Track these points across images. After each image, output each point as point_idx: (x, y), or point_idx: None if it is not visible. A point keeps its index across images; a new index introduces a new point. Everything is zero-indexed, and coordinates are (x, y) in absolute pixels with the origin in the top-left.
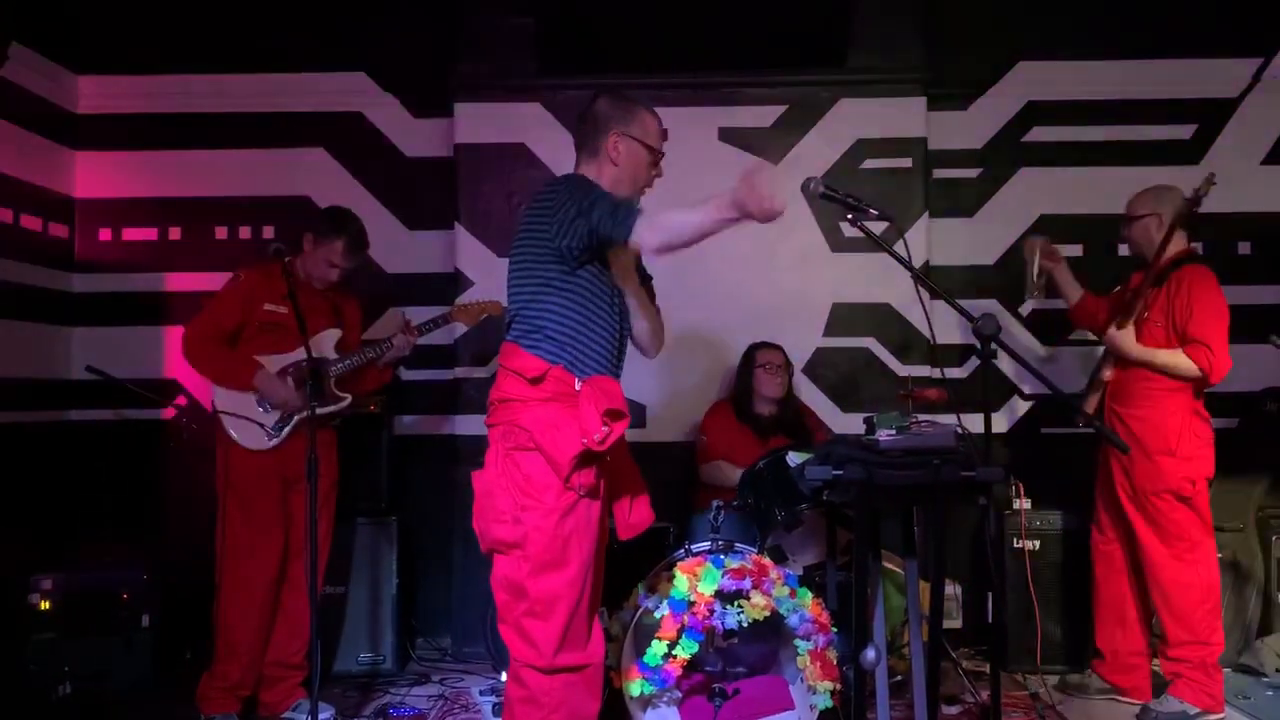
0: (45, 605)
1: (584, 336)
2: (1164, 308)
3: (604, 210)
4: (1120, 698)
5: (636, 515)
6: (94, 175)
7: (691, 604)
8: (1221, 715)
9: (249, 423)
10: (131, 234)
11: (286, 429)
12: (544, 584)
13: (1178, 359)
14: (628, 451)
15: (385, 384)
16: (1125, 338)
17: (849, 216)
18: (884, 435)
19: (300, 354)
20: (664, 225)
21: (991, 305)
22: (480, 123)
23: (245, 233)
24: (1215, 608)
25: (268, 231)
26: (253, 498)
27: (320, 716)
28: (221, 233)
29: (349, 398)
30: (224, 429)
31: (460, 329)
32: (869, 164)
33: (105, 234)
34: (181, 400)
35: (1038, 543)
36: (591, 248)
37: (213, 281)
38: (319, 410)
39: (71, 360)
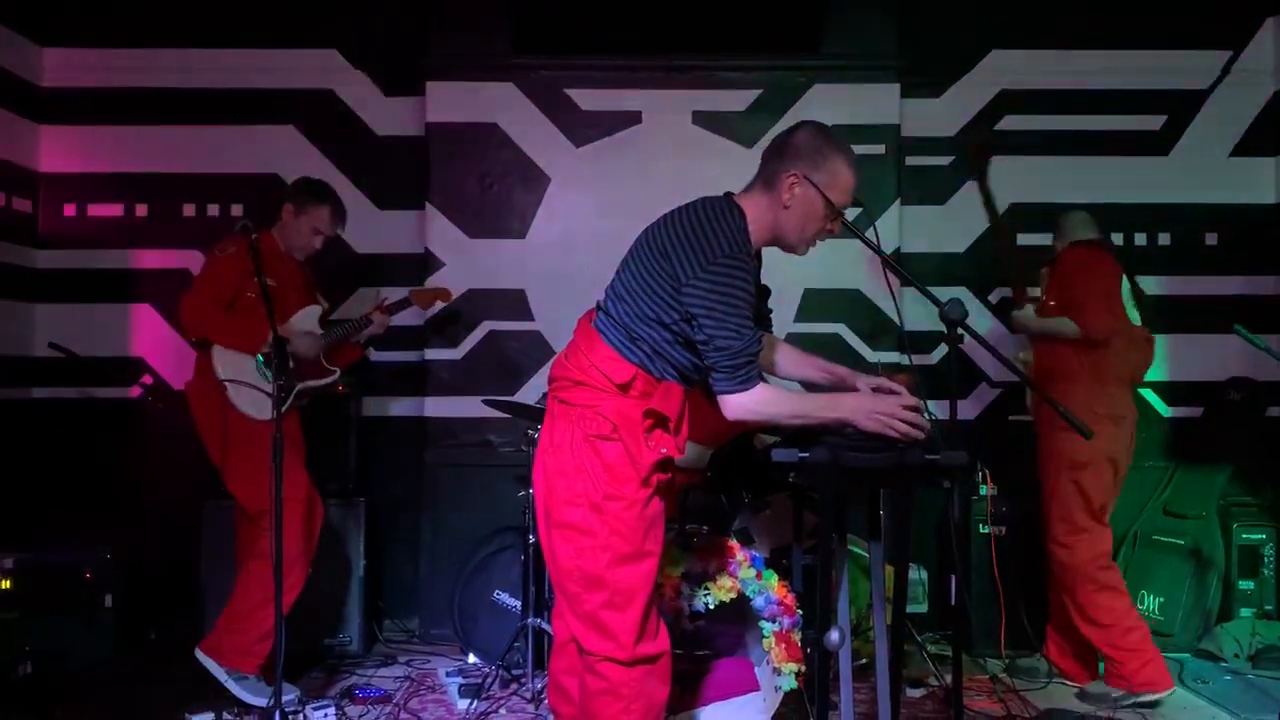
0: (6, 583)
1: (674, 354)
2: (1055, 287)
3: (725, 351)
4: (1068, 681)
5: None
6: (59, 150)
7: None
8: (1157, 696)
9: (255, 391)
10: (97, 210)
11: (289, 399)
12: (624, 575)
13: (1061, 323)
14: None
15: (355, 361)
16: (1023, 315)
17: None
18: None
19: (297, 321)
20: (775, 404)
21: (961, 293)
22: (452, 102)
23: (213, 210)
24: (1106, 588)
25: (236, 209)
26: (267, 453)
27: (284, 698)
28: (189, 210)
29: (337, 371)
30: (229, 399)
31: (437, 308)
32: None
33: (70, 209)
34: (147, 379)
35: (1004, 528)
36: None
37: (179, 259)
38: (314, 384)
39: (35, 337)
